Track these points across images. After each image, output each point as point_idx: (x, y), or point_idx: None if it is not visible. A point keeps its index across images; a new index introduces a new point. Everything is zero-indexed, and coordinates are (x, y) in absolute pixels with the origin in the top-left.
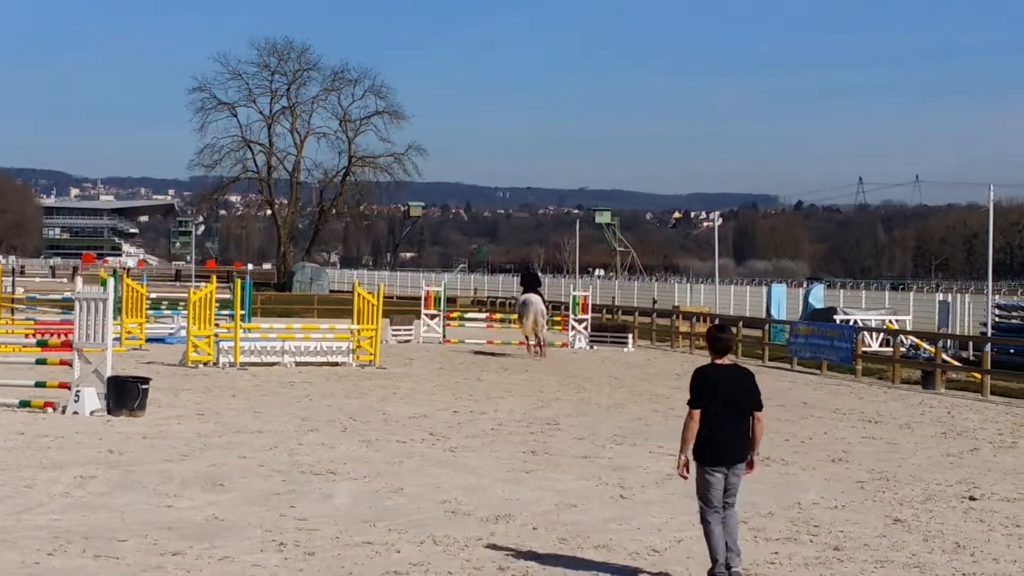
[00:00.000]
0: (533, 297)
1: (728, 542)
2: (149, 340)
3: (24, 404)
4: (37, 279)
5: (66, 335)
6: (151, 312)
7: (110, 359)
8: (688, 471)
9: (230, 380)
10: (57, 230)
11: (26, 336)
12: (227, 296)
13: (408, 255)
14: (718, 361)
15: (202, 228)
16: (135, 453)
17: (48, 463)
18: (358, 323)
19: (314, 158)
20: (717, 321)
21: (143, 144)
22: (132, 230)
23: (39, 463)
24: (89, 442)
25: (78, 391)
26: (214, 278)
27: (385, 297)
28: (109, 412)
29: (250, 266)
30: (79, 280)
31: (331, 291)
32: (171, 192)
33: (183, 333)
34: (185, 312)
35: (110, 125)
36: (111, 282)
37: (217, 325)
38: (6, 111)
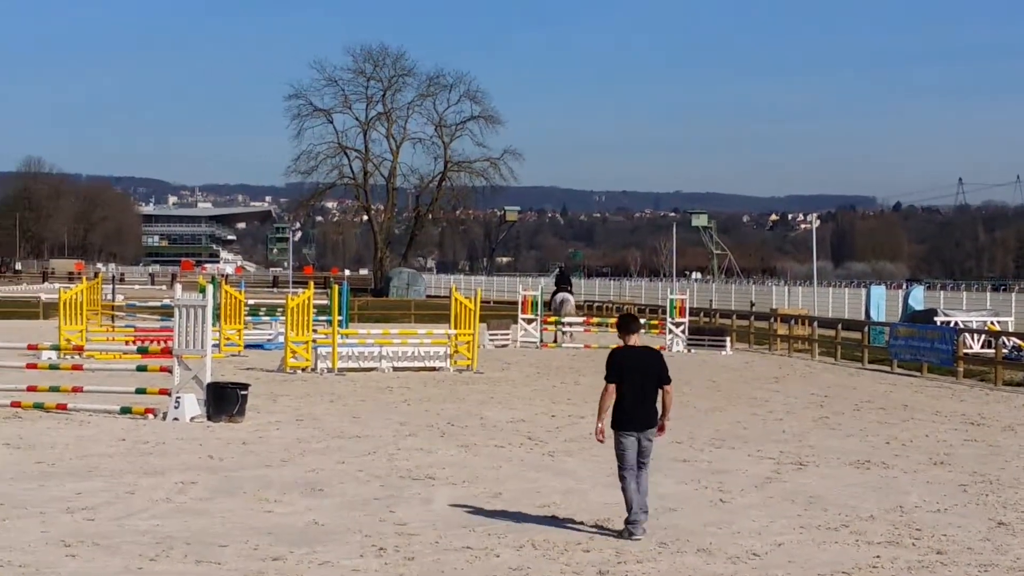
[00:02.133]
0: (569, 296)
1: (636, 499)
2: (248, 346)
3: (125, 411)
4: (137, 286)
5: (166, 342)
6: (249, 318)
7: (209, 365)
8: (604, 436)
9: (328, 385)
10: (156, 237)
11: (127, 343)
12: (324, 302)
13: (504, 260)
14: (629, 343)
15: (299, 234)
16: (235, 459)
17: (149, 469)
18: (455, 328)
19: (410, 163)
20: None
21: (240, 151)
22: (230, 237)
23: (140, 469)
24: (189, 448)
25: (178, 397)
26: (311, 284)
27: (482, 302)
28: (209, 418)
29: (347, 272)
30: (178, 287)
31: (428, 296)
32: (268, 199)
33: (281, 339)
34: (283, 318)
35: (208, 132)
36: (210, 289)
37: (315, 331)
38: (106, 120)
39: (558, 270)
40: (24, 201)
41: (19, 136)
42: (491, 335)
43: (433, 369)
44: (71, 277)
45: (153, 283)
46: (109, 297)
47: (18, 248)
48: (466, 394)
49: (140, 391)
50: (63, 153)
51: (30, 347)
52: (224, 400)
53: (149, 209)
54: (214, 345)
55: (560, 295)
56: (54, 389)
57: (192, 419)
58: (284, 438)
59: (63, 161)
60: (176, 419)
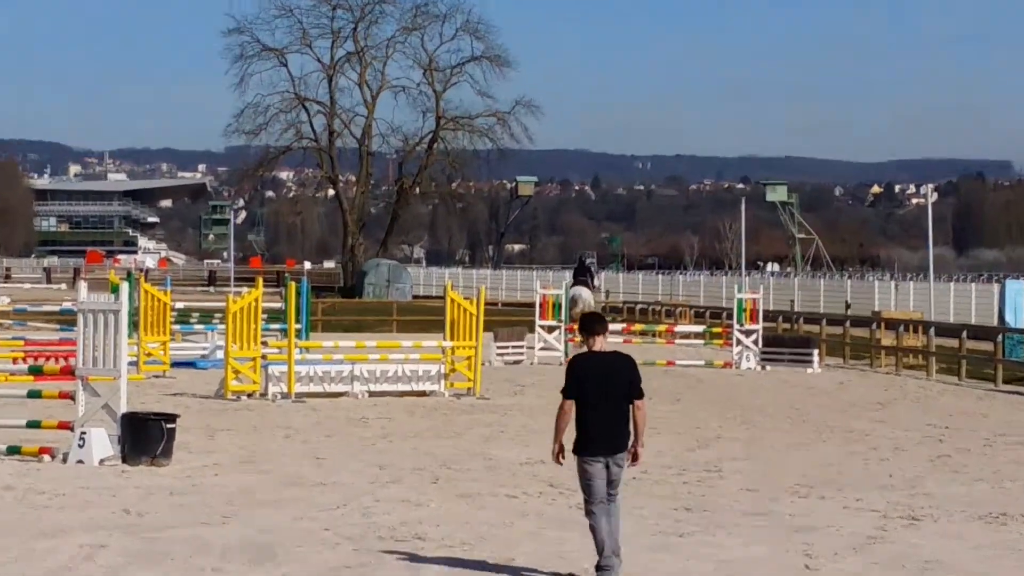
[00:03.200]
0: (584, 291)
1: (608, 541)
2: (175, 365)
3: (13, 451)
4: (27, 285)
5: (66, 359)
6: (177, 327)
7: (125, 390)
8: (563, 457)
9: (283, 416)
10: (53, 220)
11: (14, 361)
12: (278, 305)
13: (517, 247)
14: (595, 348)
15: (243, 215)
16: (159, 514)
17: (45, 528)
18: (452, 339)
19: (390, 120)
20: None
21: (164, 106)
22: (151, 219)
23: (34, 528)
24: (99, 500)
25: (83, 433)
26: (260, 281)
27: (487, 304)
28: (124, 460)
29: (307, 264)
30: (82, 286)
31: (415, 297)
32: (201, 168)
33: (220, 355)
34: (222, 327)
35: (121, 81)
36: (125, 288)
37: (264, 344)
38: None
39: (578, 261)
40: None
41: None
42: (500, 348)
43: (422, 394)
44: None
45: (49, 281)
46: None
47: None
48: (466, 427)
49: (32, 424)
50: None
51: None
52: (145, 436)
53: (43, 182)
54: (131, 363)
55: (573, 290)
56: None
57: (102, 461)
58: (225, 487)
59: None
60: (81, 461)
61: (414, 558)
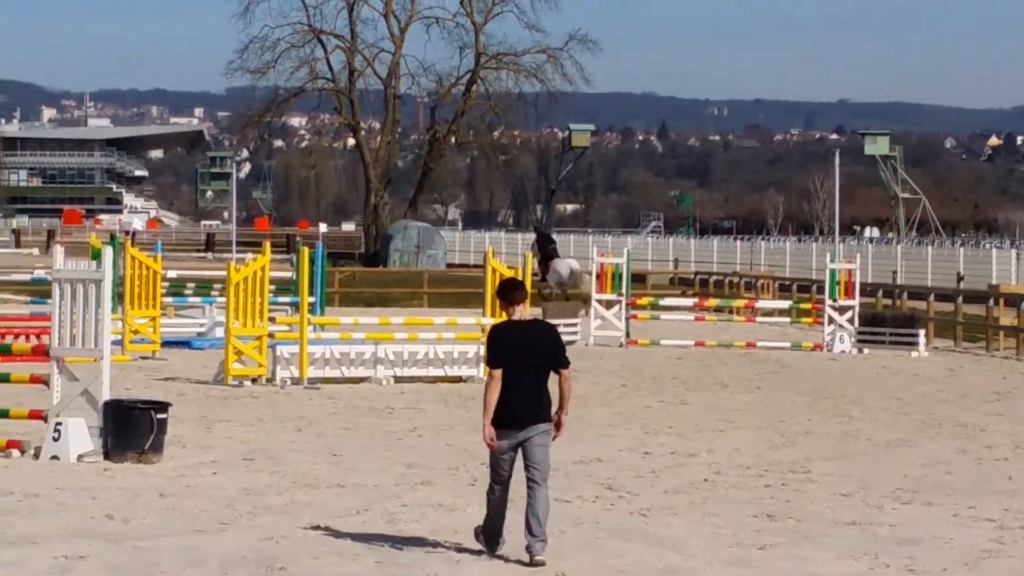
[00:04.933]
0: (572, 262)
1: (531, 523)
2: (167, 344)
3: None
4: None
5: (39, 336)
6: (170, 300)
7: (107, 374)
8: (496, 440)
9: (294, 405)
10: (23, 173)
11: None
12: (288, 274)
13: (569, 208)
14: (514, 316)
15: (247, 169)
16: (148, 520)
17: (13, 535)
18: (492, 315)
19: (421, 57)
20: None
21: (154, 40)
22: (139, 172)
23: (0, 536)
24: (76, 503)
25: (59, 424)
26: (267, 246)
27: (534, 274)
28: (107, 456)
29: (323, 227)
30: (58, 251)
31: (449, 265)
32: (198, 113)
33: (219, 333)
34: (222, 300)
35: (103, 12)
36: (108, 253)
37: (272, 320)
38: None
39: (536, 232)
40: None
41: None
42: None
43: (458, 380)
44: None
45: (19, 245)
46: None
47: None
48: None
49: (0, 414)
50: None
51: None
52: (131, 428)
53: (12, 129)
54: (115, 342)
55: (562, 262)
56: None
57: (80, 457)
58: (224, 488)
59: None
60: (56, 457)
61: (448, 570)
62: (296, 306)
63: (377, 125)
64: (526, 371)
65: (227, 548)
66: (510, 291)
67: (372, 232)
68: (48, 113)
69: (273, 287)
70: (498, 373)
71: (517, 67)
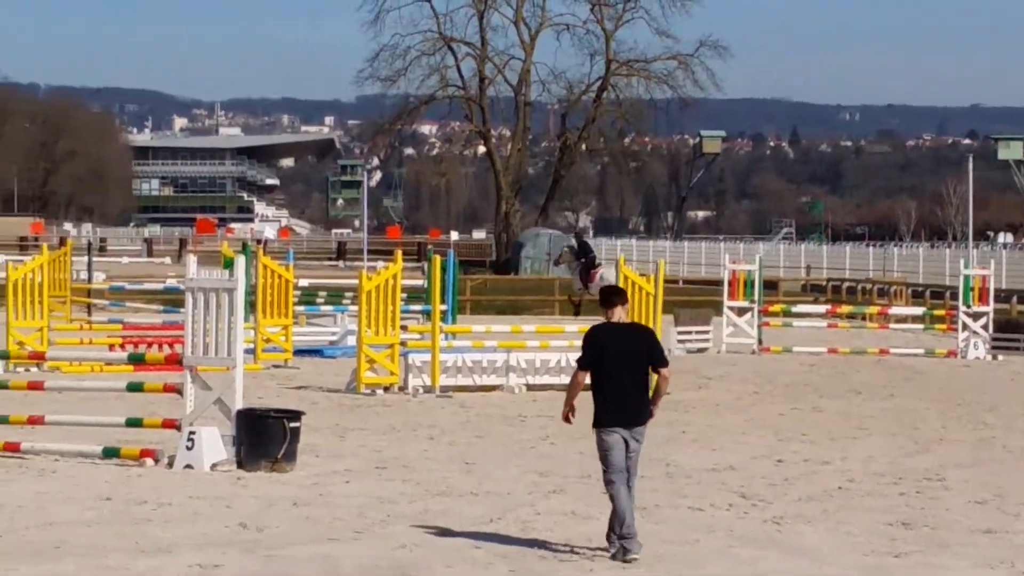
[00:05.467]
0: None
1: (628, 510)
2: (299, 352)
3: (110, 453)
4: (125, 259)
5: (172, 345)
6: (302, 309)
7: (240, 383)
8: (573, 417)
9: (426, 413)
10: (155, 182)
11: (111, 348)
12: (419, 282)
13: (700, 214)
14: (613, 320)
15: (377, 177)
16: (281, 529)
17: (148, 545)
18: None
19: (551, 65)
20: None
21: (284, 49)
22: (270, 181)
23: (134, 545)
24: (210, 512)
25: (192, 433)
26: (399, 254)
27: (667, 281)
28: (240, 465)
29: (454, 235)
30: (191, 260)
31: None
32: (328, 122)
33: (351, 341)
34: (354, 309)
35: (233, 20)
36: (240, 262)
37: (404, 328)
38: (75, 4)
39: (577, 238)
40: None
41: None
42: (681, 333)
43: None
44: (23, 246)
45: (151, 254)
46: (83, 276)
47: None
48: None
49: (133, 423)
50: (9, 54)
51: None
52: (264, 437)
53: (144, 138)
54: (248, 351)
55: (609, 270)
56: (0, 420)
57: (214, 466)
58: (358, 496)
59: (9, 66)
60: (189, 466)
61: None
62: (428, 314)
63: (507, 132)
64: (624, 370)
65: (361, 556)
66: (609, 296)
67: (503, 240)
68: (180, 122)
69: (405, 295)
70: (581, 375)
71: (648, 73)
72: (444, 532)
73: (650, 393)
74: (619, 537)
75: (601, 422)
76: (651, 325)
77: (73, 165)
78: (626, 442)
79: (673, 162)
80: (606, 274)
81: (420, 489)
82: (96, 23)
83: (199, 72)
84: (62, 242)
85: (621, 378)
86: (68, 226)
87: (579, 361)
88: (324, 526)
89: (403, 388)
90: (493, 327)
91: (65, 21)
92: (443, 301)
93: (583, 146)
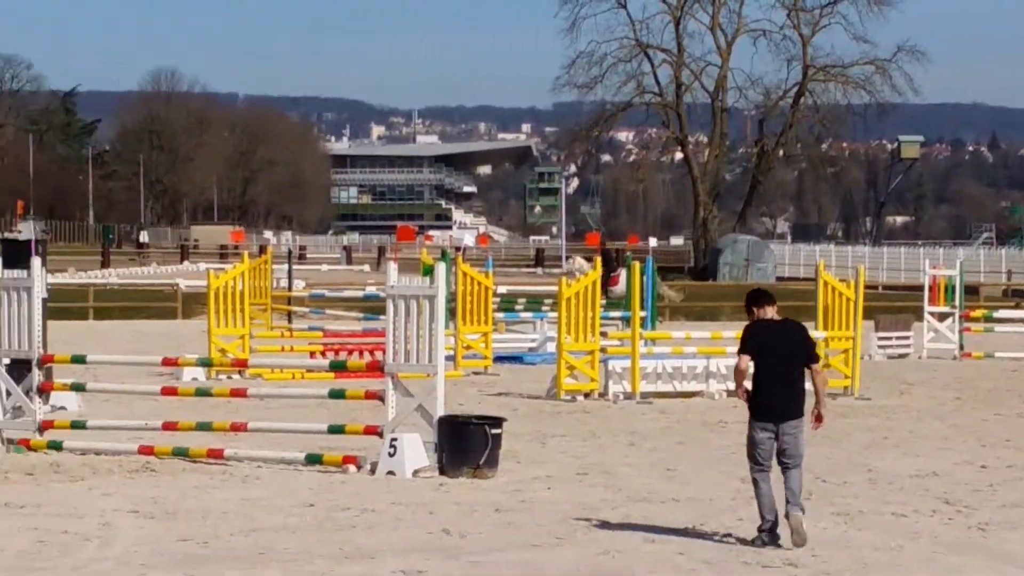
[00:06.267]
0: None
1: (788, 496)
2: (498, 359)
3: (313, 460)
4: (325, 267)
5: (372, 352)
6: (501, 316)
7: (442, 389)
8: (749, 395)
9: (626, 420)
10: (353, 190)
11: (312, 355)
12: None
13: (899, 219)
14: (767, 317)
15: (575, 184)
16: (483, 535)
17: (352, 551)
18: (825, 329)
19: (748, 70)
20: None
21: (482, 56)
22: (467, 188)
23: (338, 550)
24: (413, 517)
25: (394, 439)
26: (598, 260)
27: (866, 287)
28: (442, 471)
29: (652, 241)
30: (390, 267)
31: (779, 278)
32: (525, 129)
33: (550, 347)
34: (553, 316)
35: (432, 28)
36: (440, 269)
37: (603, 335)
38: (272, 14)
39: (602, 254)
40: (151, 137)
41: (144, 39)
42: (881, 339)
43: None
44: (224, 254)
45: (350, 261)
46: (283, 284)
47: (143, 209)
48: (843, 432)
49: (335, 429)
50: (209, 64)
51: (165, 362)
52: (466, 443)
53: (342, 147)
54: (448, 358)
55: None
56: (203, 427)
57: (416, 472)
58: (559, 502)
59: (209, 75)
60: (391, 472)
61: None
62: (627, 320)
63: (704, 139)
64: (778, 364)
65: (564, 562)
66: (758, 297)
67: (701, 246)
68: (377, 130)
69: (604, 302)
70: (744, 359)
71: (845, 79)
72: (646, 538)
73: (804, 391)
74: (759, 529)
75: (756, 415)
76: (851, 331)
77: (272, 174)
78: (778, 436)
79: (871, 167)
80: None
81: (622, 495)
82: (294, 33)
83: (396, 80)
84: (262, 250)
85: (775, 373)
86: (268, 234)
87: (739, 351)
88: (526, 532)
89: (603, 394)
90: (692, 333)
91: (263, 31)
92: (643, 307)
93: (780, 152)
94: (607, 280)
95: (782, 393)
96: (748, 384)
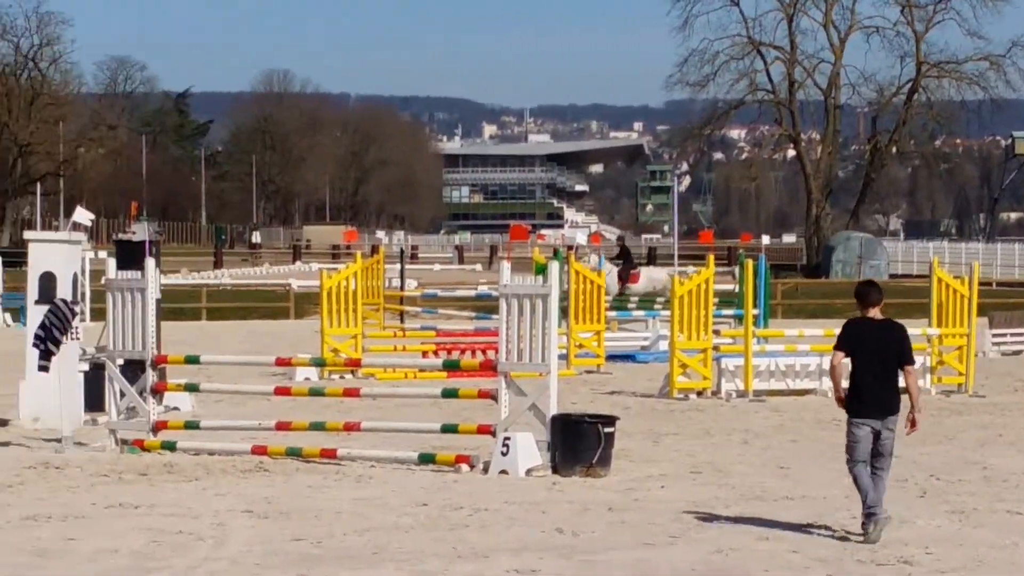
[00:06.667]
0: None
1: (871, 492)
2: (611, 358)
3: (426, 459)
4: (437, 266)
5: (485, 352)
6: (613, 314)
7: (555, 388)
8: (846, 395)
9: (739, 418)
10: (465, 190)
11: (424, 355)
12: (730, 287)
13: (1013, 216)
14: (867, 314)
15: (687, 182)
16: (597, 534)
17: (465, 550)
18: (938, 326)
19: (861, 67)
20: None
21: (592, 55)
22: (579, 187)
23: (452, 550)
24: (526, 517)
25: (507, 438)
26: (711, 259)
27: (981, 284)
28: (555, 470)
29: (765, 239)
30: (503, 266)
31: (892, 276)
32: (637, 127)
33: (663, 346)
34: (666, 314)
35: (542, 26)
36: (553, 268)
37: (716, 333)
38: (382, 14)
39: (619, 248)
40: (264, 137)
41: (256, 40)
42: (996, 336)
43: (903, 391)
44: (336, 254)
45: (462, 261)
46: (395, 284)
47: (255, 210)
48: (958, 429)
49: (448, 429)
50: (320, 64)
51: (278, 362)
52: (579, 442)
53: (454, 146)
54: (561, 356)
55: (658, 271)
56: (316, 427)
57: (529, 471)
58: (673, 501)
59: (321, 75)
60: (504, 471)
61: None
62: (740, 318)
63: (817, 136)
64: (874, 363)
65: (677, 561)
66: (866, 293)
67: (814, 243)
68: (489, 130)
69: (716, 300)
70: (838, 356)
71: (959, 75)
72: (760, 536)
73: (900, 389)
74: (865, 515)
75: (854, 412)
76: (965, 328)
77: (384, 173)
78: (877, 432)
79: (985, 164)
80: (655, 273)
81: (735, 493)
82: (405, 33)
83: (508, 79)
84: (374, 250)
85: (874, 371)
86: (380, 234)
87: (835, 347)
88: (640, 531)
89: (716, 392)
90: (805, 331)
91: (374, 31)
92: (755, 305)
93: (894, 149)
94: (627, 277)
95: (879, 390)
96: (845, 383)
